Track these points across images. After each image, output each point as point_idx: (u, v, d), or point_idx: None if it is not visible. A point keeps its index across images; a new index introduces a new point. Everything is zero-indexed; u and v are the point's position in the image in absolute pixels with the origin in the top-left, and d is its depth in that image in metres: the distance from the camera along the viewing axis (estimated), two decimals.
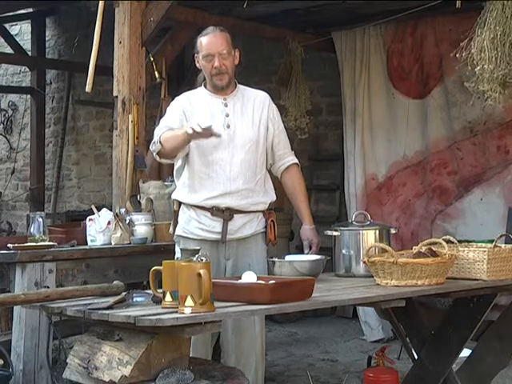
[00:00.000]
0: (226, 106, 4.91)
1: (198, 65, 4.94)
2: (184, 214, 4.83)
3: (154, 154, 4.80)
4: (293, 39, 8.75)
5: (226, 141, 4.71)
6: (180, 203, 4.87)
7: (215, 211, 4.71)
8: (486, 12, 5.38)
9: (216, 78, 4.84)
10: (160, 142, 4.68)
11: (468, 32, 5.42)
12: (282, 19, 8.19)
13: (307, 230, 4.99)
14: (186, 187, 4.79)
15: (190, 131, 4.40)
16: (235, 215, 4.73)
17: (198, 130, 4.37)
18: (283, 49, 8.83)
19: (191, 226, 4.77)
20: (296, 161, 5.08)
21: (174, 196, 4.97)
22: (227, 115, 4.88)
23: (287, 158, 5.02)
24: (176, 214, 4.91)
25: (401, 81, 8.20)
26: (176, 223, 4.89)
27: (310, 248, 4.89)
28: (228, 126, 4.85)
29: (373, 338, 7.65)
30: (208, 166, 4.75)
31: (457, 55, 5.43)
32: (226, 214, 4.71)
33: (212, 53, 4.79)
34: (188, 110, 4.87)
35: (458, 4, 6.29)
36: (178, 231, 4.84)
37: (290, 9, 7.74)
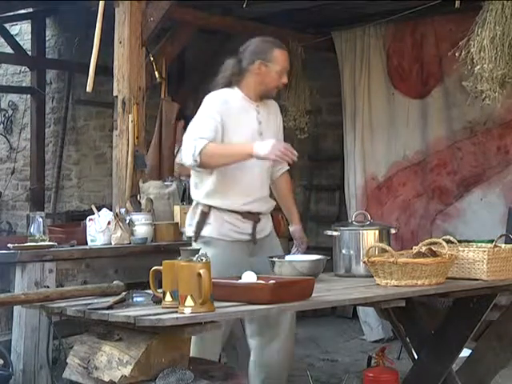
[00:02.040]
0: (258, 113, 4.99)
1: (257, 70, 4.91)
2: (216, 218, 4.88)
3: (192, 166, 4.82)
4: (293, 39, 8.76)
5: None
6: (210, 207, 4.91)
7: (246, 214, 4.86)
8: (486, 12, 5.40)
9: (275, 91, 5.04)
10: (201, 155, 4.68)
11: (468, 31, 5.43)
12: (282, 19, 8.20)
13: (299, 229, 5.23)
14: (218, 192, 4.86)
15: (262, 153, 4.60)
16: (260, 217, 4.95)
17: (278, 154, 4.60)
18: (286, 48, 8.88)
19: (225, 228, 4.84)
20: (288, 167, 5.24)
21: (202, 200, 4.95)
22: (260, 122, 4.98)
23: (283, 164, 5.14)
24: (204, 216, 4.91)
25: (401, 81, 8.21)
26: (201, 226, 4.92)
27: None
28: (260, 134, 4.94)
29: (373, 338, 7.67)
30: (243, 173, 4.85)
31: (456, 54, 5.44)
32: (256, 216, 4.90)
33: (285, 69, 4.97)
34: (224, 113, 4.88)
35: (456, 4, 6.31)
36: (211, 233, 4.87)
37: (290, 9, 7.73)
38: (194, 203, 5.01)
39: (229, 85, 5.01)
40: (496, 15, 5.32)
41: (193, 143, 4.73)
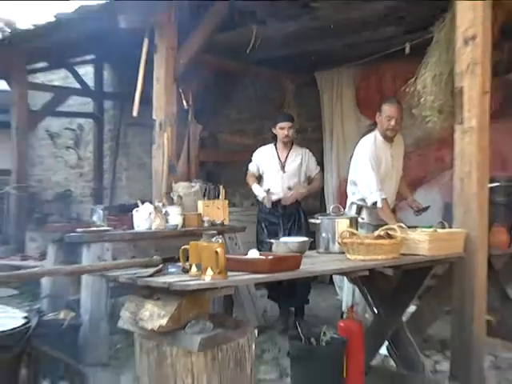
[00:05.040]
0: (391, 147, 5.78)
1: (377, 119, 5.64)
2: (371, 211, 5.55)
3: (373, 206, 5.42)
4: (286, 78, 8.84)
5: None
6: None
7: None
8: (428, 57, 5.41)
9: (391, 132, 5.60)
10: (382, 204, 5.35)
11: (415, 72, 5.47)
12: (277, 63, 8.21)
13: (411, 199, 5.94)
14: None
15: None
16: None
17: None
18: (280, 85, 8.93)
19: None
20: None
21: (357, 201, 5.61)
22: (392, 157, 5.75)
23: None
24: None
25: (366, 108, 8.22)
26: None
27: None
28: (392, 166, 5.73)
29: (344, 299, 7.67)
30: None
31: (407, 89, 5.47)
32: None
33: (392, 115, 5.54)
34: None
35: (406, 50, 6.36)
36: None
37: (284, 55, 7.74)
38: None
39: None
40: (435, 60, 5.34)
41: (377, 194, 5.33)
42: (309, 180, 6.63)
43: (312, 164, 6.60)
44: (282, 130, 6.43)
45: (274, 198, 6.39)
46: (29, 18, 8.09)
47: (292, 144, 6.61)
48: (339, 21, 6.38)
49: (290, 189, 6.43)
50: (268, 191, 6.38)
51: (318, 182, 6.70)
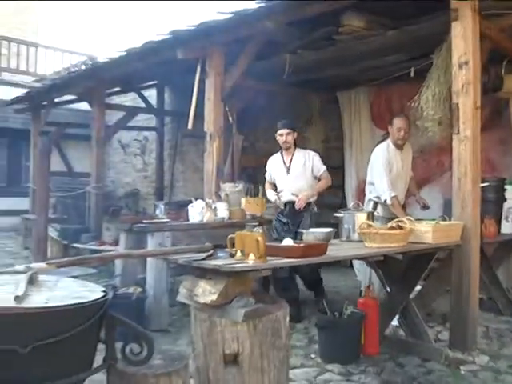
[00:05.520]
0: (401, 153, 5.66)
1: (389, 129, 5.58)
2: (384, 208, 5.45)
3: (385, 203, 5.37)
4: (313, 96, 8.80)
5: None
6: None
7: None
8: (429, 79, 5.42)
9: (400, 141, 5.53)
10: (392, 201, 5.30)
11: (418, 90, 5.45)
12: (307, 84, 8.20)
13: (419, 196, 5.91)
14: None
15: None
16: None
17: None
18: (309, 102, 8.89)
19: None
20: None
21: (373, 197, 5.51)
22: (402, 160, 5.64)
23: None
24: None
25: (379, 121, 8.16)
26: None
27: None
28: (402, 167, 5.62)
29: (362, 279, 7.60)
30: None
31: (411, 105, 5.45)
32: None
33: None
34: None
35: (411, 73, 6.29)
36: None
37: (312, 79, 7.71)
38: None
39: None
40: (435, 81, 5.34)
41: (388, 193, 5.30)
42: (318, 180, 5.99)
43: (317, 163, 5.91)
44: (281, 136, 5.87)
45: (283, 199, 5.86)
46: (106, 53, 8.19)
47: (295, 148, 5.98)
48: (356, 50, 6.34)
49: (294, 195, 5.79)
50: (278, 194, 5.89)
51: (326, 180, 5.94)
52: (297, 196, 5.74)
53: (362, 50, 6.30)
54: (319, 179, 5.93)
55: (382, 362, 4.32)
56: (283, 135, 5.86)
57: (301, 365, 4.27)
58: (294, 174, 5.88)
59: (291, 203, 5.79)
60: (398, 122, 5.48)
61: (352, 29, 5.97)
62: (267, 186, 6.12)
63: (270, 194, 5.97)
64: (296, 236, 4.84)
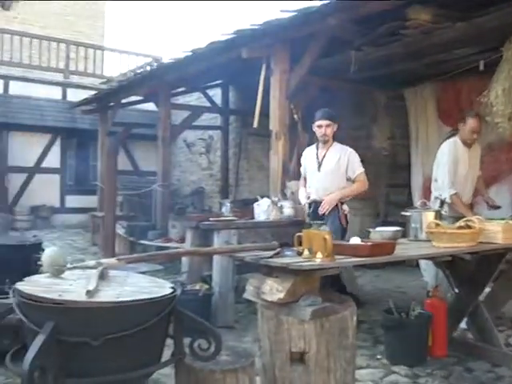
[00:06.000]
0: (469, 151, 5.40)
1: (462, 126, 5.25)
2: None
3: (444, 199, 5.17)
4: (379, 93, 8.68)
5: None
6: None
7: None
8: (498, 73, 5.24)
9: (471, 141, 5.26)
10: (452, 199, 5.12)
11: (487, 85, 5.27)
12: (372, 81, 8.09)
13: (487, 197, 5.54)
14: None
15: None
16: None
17: None
18: (374, 98, 8.80)
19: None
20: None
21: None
22: (470, 159, 5.40)
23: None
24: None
25: (446, 118, 7.95)
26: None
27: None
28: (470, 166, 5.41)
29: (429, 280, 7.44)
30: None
31: (481, 100, 5.28)
32: None
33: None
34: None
35: (481, 66, 6.10)
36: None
37: (378, 75, 7.61)
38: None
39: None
40: (505, 75, 5.18)
41: (448, 191, 5.12)
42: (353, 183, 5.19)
43: (354, 164, 5.12)
44: (319, 128, 5.14)
45: (311, 198, 5.22)
46: (170, 54, 8.33)
47: (333, 142, 5.24)
48: (422, 44, 6.21)
49: (320, 195, 5.12)
50: (308, 198, 5.25)
51: (361, 183, 5.14)
52: (322, 198, 5.08)
53: (429, 44, 6.17)
54: (353, 181, 5.16)
55: (449, 365, 4.21)
56: (322, 127, 5.14)
57: (367, 365, 4.20)
58: (324, 171, 5.16)
59: (316, 204, 5.14)
60: (473, 122, 5.21)
61: (419, 23, 5.84)
62: (301, 182, 5.51)
63: (301, 195, 5.36)
64: None
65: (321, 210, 5.01)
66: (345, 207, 5.15)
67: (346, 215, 5.11)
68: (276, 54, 6.51)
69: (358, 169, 5.13)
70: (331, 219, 4.95)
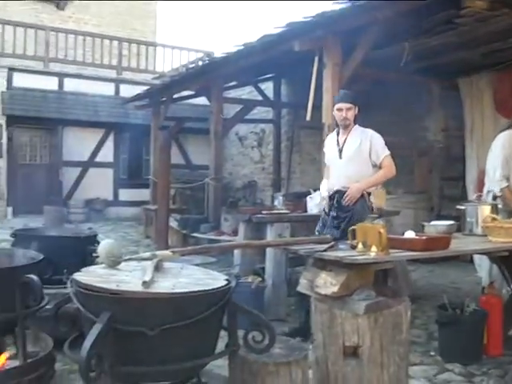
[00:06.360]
0: None
1: None
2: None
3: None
4: (433, 83, 8.53)
5: None
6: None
7: None
8: None
9: None
10: (502, 192, 4.90)
11: None
12: (426, 71, 7.97)
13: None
14: None
15: None
16: None
17: None
18: (428, 89, 8.67)
19: None
20: None
21: None
22: None
23: None
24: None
25: (503, 109, 7.76)
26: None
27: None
28: None
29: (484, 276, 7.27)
30: None
31: None
32: None
33: None
34: None
35: None
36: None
37: (432, 65, 7.47)
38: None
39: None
40: None
41: (498, 183, 4.93)
42: (379, 168, 4.51)
43: (377, 147, 4.47)
44: (340, 111, 4.54)
45: (335, 188, 4.55)
46: (222, 48, 8.40)
47: (353, 126, 4.62)
48: (478, 33, 6.06)
49: (343, 185, 4.48)
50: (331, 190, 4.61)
51: (388, 169, 4.47)
52: (346, 187, 4.45)
53: (485, 33, 6.02)
54: (380, 167, 4.52)
55: (505, 364, 4.07)
56: (342, 110, 4.55)
57: (420, 362, 4.13)
58: (346, 157, 4.55)
59: (340, 194, 4.49)
60: None
61: (474, 10, 5.69)
62: (326, 173, 4.91)
63: (323, 187, 4.80)
64: (342, 235, 3.98)
65: (344, 202, 4.42)
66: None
67: (373, 207, 4.46)
68: (328, 46, 6.45)
69: (382, 152, 4.49)
70: (357, 210, 4.37)
